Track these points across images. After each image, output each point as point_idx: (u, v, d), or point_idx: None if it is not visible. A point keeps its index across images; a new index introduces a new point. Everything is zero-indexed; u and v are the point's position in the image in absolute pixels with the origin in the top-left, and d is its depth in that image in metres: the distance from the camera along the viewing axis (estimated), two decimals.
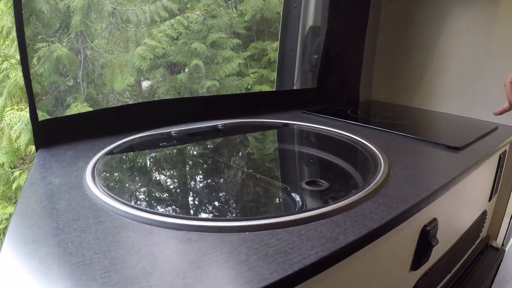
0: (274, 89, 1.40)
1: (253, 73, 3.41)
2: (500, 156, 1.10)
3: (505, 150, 1.16)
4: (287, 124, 1.00)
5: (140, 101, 3.42)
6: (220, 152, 0.84)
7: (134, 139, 0.81)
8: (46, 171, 0.62)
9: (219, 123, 0.96)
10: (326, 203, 0.53)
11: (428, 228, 0.68)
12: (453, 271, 0.98)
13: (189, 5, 3.49)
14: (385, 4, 1.48)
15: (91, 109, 2.99)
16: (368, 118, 1.17)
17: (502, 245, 1.38)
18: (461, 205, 0.91)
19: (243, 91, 3.32)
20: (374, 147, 0.80)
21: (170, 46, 3.18)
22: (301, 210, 0.50)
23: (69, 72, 3.16)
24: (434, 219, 0.71)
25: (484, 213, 1.16)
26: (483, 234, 1.27)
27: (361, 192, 0.55)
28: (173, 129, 0.88)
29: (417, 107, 1.43)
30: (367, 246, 0.48)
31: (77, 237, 0.43)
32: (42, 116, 0.74)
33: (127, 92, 3.46)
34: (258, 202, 0.58)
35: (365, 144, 0.82)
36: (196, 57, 3.34)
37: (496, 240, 1.36)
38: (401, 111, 1.35)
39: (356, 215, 0.51)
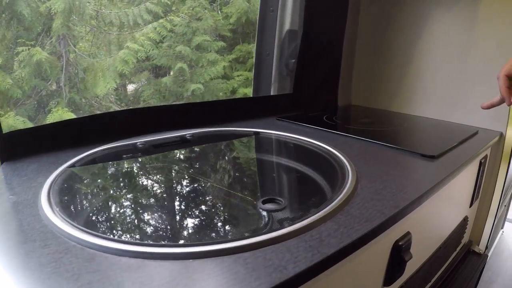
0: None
1: (238, 76, 3.37)
2: (480, 161, 1.07)
3: (486, 155, 1.13)
4: (258, 133, 0.95)
5: (124, 106, 3.36)
6: (180, 166, 0.79)
7: (97, 151, 0.76)
8: (6, 187, 0.60)
9: (188, 132, 0.91)
10: (281, 225, 0.48)
11: (400, 243, 0.64)
12: (433, 280, 0.94)
13: (174, 8, 3.43)
14: (364, 8, 1.44)
15: (73, 114, 2.93)
16: (344, 124, 1.13)
17: (486, 247, 1.34)
18: (439, 214, 0.87)
19: (228, 94, 3.28)
20: (344, 157, 0.75)
21: (153, 49, 3.13)
22: (252, 234, 0.45)
23: (51, 77, 3.09)
24: (407, 233, 0.67)
25: (465, 219, 1.12)
26: (465, 239, 1.23)
27: (320, 212, 0.51)
28: (140, 140, 0.84)
29: (397, 111, 1.39)
30: (325, 271, 0.43)
31: (21, 262, 0.40)
32: (23, 122, 0.71)
33: (112, 96, 3.40)
34: (207, 224, 0.53)
35: (335, 154, 0.77)
36: (180, 60, 3.29)
37: (479, 245, 1.32)
38: (380, 115, 1.31)
39: (311, 238, 0.46)
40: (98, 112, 0.86)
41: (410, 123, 1.18)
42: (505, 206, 1.80)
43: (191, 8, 3.41)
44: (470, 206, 1.13)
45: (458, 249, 1.17)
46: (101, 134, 0.83)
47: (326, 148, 0.81)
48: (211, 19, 3.36)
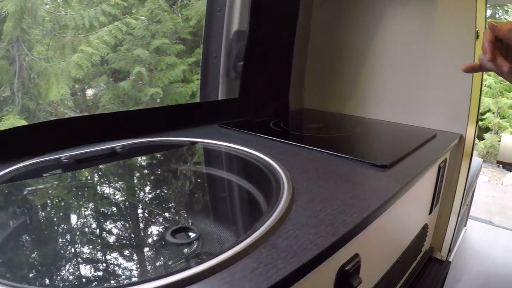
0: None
1: (197, 79, 3.26)
2: (439, 166, 0.99)
3: (445, 159, 1.06)
4: (195, 143, 0.84)
5: (81, 112, 3.20)
6: (90, 188, 0.68)
7: (18, 168, 0.64)
8: None
9: (119, 144, 0.79)
10: (187, 265, 0.38)
11: (346, 268, 0.54)
12: None
13: (133, 10, 3.29)
14: (316, 6, 1.35)
15: (25, 122, 2.76)
16: (292, 131, 1.03)
17: (449, 251, 1.28)
18: (394, 228, 0.79)
19: (188, 98, 3.17)
20: (283, 171, 0.65)
21: (108, 53, 2.98)
22: (143, 280, 0.35)
23: (2, 82, 2.91)
24: (355, 256, 0.57)
25: (425, 227, 1.04)
26: (426, 247, 1.16)
27: (237, 247, 0.40)
28: (66, 154, 0.71)
29: (351, 115, 1.31)
30: None
31: None
32: None
33: (70, 102, 3.24)
34: (100, 266, 0.42)
35: (273, 167, 0.67)
36: (139, 64, 3.16)
37: (440, 252, 1.25)
38: (332, 120, 1.22)
39: (222, 282, 0.36)
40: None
41: (364, 128, 1.10)
42: (467, 205, 1.76)
43: (150, 11, 3.29)
44: (430, 213, 1.05)
45: (418, 258, 1.09)
46: (25, 148, 0.71)
47: (264, 160, 0.71)
48: (170, 22, 3.25)
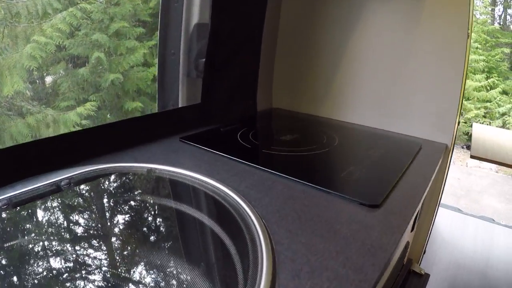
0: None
1: None
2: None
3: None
4: (150, 170, 0.68)
5: (39, 104, 2.97)
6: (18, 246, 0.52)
7: None
8: None
9: (65, 176, 0.63)
10: None
11: None
12: None
13: None
14: (285, 0, 1.19)
15: None
16: (262, 146, 0.87)
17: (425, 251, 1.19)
18: None
19: (149, 83, 2.98)
20: (258, 220, 0.51)
21: (64, 41, 2.74)
22: None
23: None
24: None
25: (406, 245, 0.94)
26: (405, 260, 1.07)
27: None
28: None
29: (326, 117, 1.18)
30: None
31: None
32: None
33: (28, 92, 2.99)
34: None
35: (246, 213, 0.53)
36: (98, 49, 2.93)
37: (419, 264, 1.16)
38: (306, 126, 1.08)
39: None
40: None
41: (342, 139, 0.96)
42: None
43: None
44: (412, 230, 0.95)
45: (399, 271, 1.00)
46: None
47: (234, 200, 0.57)
48: (129, 4, 3.02)
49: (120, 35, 3.03)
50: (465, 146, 5.21)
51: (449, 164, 1.07)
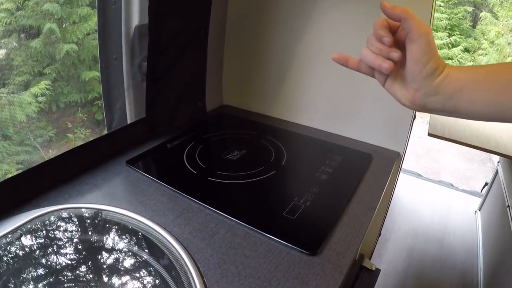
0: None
1: None
2: None
3: None
4: (98, 213, 0.64)
5: None
6: None
7: None
8: None
9: (19, 224, 0.58)
10: None
11: None
12: None
13: None
14: None
15: None
16: (209, 171, 0.81)
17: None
18: None
19: None
20: (198, 278, 0.49)
21: (11, 21, 2.56)
22: None
23: None
24: None
25: None
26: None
27: None
28: None
29: (277, 118, 1.13)
30: None
31: None
32: None
33: None
34: None
35: (187, 268, 0.51)
36: (49, 19, 2.75)
37: (370, 259, 1.18)
38: (256, 136, 1.00)
39: None
40: None
41: (291, 154, 0.90)
42: None
43: None
44: None
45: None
46: None
47: (177, 252, 0.54)
48: None
49: (72, 3, 2.85)
50: None
51: (400, 169, 1.05)
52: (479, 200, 2.14)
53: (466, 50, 5.89)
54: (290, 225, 0.65)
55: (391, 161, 0.91)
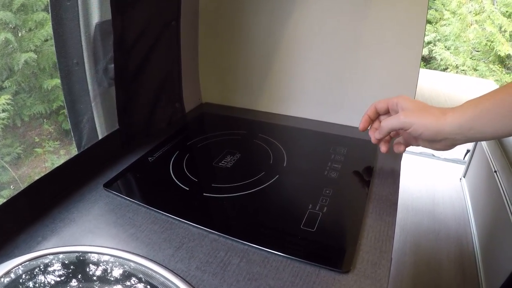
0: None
1: None
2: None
3: None
4: (83, 256, 0.50)
5: None
6: None
7: None
8: None
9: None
10: None
11: None
12: None
13: None
14: None
15: None
16: (204, 185, 0.66)
17: None
18: None
19: None
20: None
21: None
22: None
23: None
24: None
25: None
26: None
27: None
28: None
29: (264, 111, 1.00)
30: None
31: None
32: None
33: None
34: None
35: None
36: (3, 28, 2.52)
37: None
38: (245, 135, 0.87)
39: None
40: None
41: (290, 152, 0.78)
42: None
43: None
44: None
45: None
46: None
47: None
48: None
49: (26, 9, 2.61)
50: None
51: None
52: (462, 167, 2.10)
53: (428, 21, 5.86)
54: (312, 239, 0.53)
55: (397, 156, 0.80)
